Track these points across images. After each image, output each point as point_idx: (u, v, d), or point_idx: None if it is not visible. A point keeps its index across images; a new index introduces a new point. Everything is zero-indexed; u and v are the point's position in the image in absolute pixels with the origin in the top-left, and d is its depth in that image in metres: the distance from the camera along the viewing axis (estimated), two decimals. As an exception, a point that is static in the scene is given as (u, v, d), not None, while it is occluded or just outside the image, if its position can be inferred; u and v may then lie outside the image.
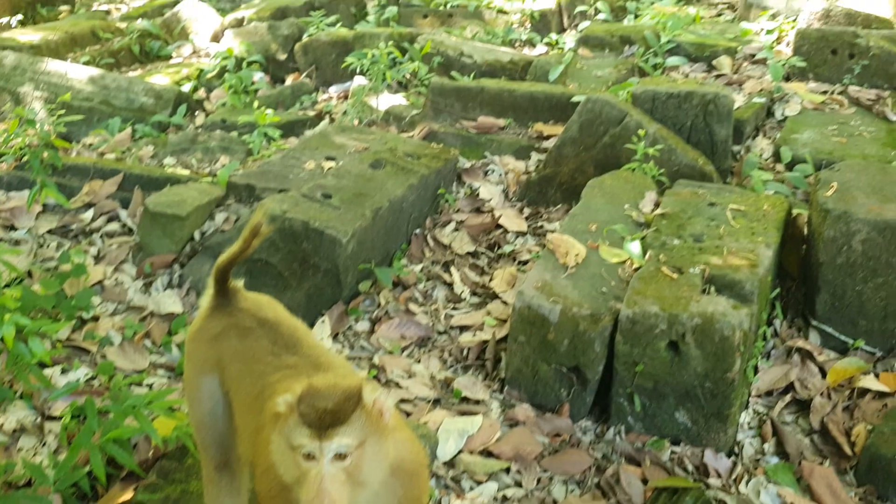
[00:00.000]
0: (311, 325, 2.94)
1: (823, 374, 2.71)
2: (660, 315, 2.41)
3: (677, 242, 2.82)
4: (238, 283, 1.88)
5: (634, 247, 2.82)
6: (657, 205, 3.19)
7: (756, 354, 2.69)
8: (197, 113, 5.05)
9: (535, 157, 4.12)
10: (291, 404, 1.40)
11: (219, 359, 1.77)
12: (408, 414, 2.50)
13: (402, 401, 2.56)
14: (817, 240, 2.80)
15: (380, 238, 3.22)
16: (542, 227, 3.68)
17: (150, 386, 2.60)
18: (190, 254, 3.23)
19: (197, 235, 3.28)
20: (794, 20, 5.78)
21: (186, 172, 3.94)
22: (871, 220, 2.68)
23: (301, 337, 1.75)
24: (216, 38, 6.19)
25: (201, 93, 5.36)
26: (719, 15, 6.73)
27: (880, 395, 2.60)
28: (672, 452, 2.44)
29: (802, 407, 2.62)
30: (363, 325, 3.01)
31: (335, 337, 2.93)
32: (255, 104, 4.45)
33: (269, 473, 1.49)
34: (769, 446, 2.49)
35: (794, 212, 3.19)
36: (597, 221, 3.02)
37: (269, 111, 4.26)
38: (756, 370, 2.72)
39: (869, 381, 2.63)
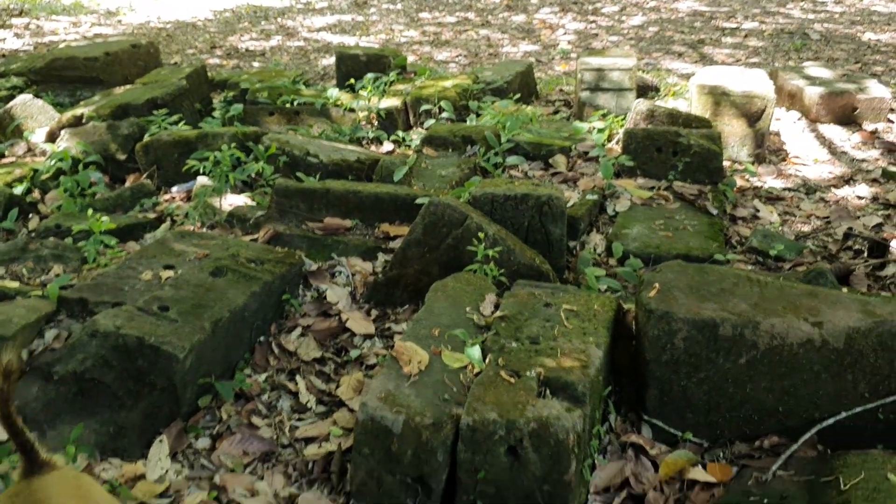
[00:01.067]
0: (148, 444, 2.82)
1: (656, 467, 2.84)
2: (498, 421, 2.47)
3: (515, 345, 2.91)
4: (54, 458, 1.69)
5: (475, 351, 2.89)
6: (497, 306, 3.30)
7: (591, 453, 2.79)
8: (31, 216, 4.83)
9: (381, 257, 4.18)
10: None
11: None
12: (249, 538, 2.42)
13: (243, 524, 2.48)
14: (643, 338, 2.96)
15: (220, 350, 3.15)
16: (389, 328, 3.71)
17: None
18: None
19: (24, 355, 3.10)
20: (623, 119, 6.23)
21: (16, 284, 3.73)
22: (689, 319, 2.87)
23: None
24: (52, 136, 5.97)
25: (35, 194, 5.13)
26: (556, 112, 7.14)
27: (707, 485, 2.74)
28: (516, 558, 2.47)
29: (637, 502, 2.73)
30: (203, 442, 2.90)
31: (174, 456, 2.81)
32: (90, 211, 4.30)
33: None
34: (608, 544, 2.57)
35: (625, 306, 3.38)
36: (440, 326, 3.08)
37: (105, 218, 4.12)
38: (593, 467, 2.82)
39: (698, 473, 2.78)
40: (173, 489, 2.64)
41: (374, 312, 3.86)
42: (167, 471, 2.72)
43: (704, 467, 2.81)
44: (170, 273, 3.48)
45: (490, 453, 2.48)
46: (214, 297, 3.27)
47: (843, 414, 2.81)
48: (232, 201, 4.75)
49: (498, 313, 3.19)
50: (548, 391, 2.65)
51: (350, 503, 2.63)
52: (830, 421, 2.80)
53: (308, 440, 2.96)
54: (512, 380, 2.70)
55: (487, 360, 2.84)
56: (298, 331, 3.64)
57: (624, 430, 3.00)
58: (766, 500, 2.53)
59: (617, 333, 3.20)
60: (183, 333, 2.96)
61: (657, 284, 3.07)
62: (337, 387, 3.28)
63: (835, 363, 2.80)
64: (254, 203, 4.77)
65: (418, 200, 4.19)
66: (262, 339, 3.52)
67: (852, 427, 2.83)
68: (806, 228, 4.88)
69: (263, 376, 3.31)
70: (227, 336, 3.20)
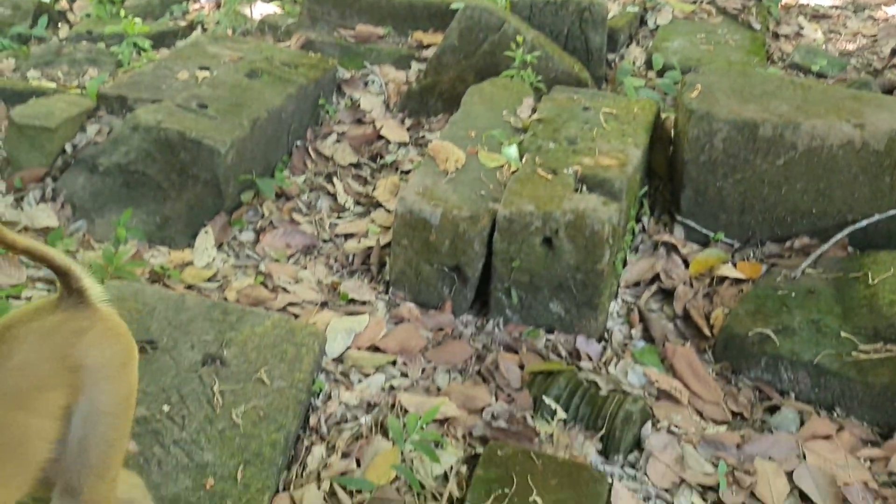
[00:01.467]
0: (194, 235, 2.92)
1: (686, 264, 2.91)
2: (535, 213, 2.52)
3: (553, 146, 2.92)
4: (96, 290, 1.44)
5: (512, 151, 2.90)
6: (534, 110, 3.28)
7: (625, 248, 2.85)
8: (60, 24, 4.77)
9: (415, 66, 4.12)
10: None
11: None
12: (296, 316, 2.54)
13: (290, 304, 2.60)
14: (682, 139, 2.96)
15: (259, 149, 3.19)
16: (423, 137, 3.72)
17: (29, 298, 2.54)
18: (62, 167, 3.11)
19: (69, 148, 3.16)
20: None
21: (53, 85, 3.75)
22: (730, 120, 2.84)
23: None
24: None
25: (63, 3, 5.05)
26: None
27: (737, 281, 2.81)
28: (547, 340, 2.59)
29: (667, 295, 2.82)
30: (248, 236, 3.00)
31: (220, 247, 2.92)
32: (122, 14, 4.24)
33: None
34: (636, 332, 2.68)
35: (663, 115, 3.35)
36: (476, 128, 3.08)
37: (138, 20, 4.08)
38: (625, 263, 2.89)
39: (727, 270, 2.85)
40: (221, 275, 2.75)
41: (407, 121, 3.86)
42: (214, 259, 2.83)
43: (734, 266, 2.87)
44: (206, 74, 3.47)
45: (526, 243, 2.54)
46: (251, 97, 3.27)
47: (878, 216, 2.82)
48: (262, 10, 4.65)
49: (535, 116, 3.17)
50: (584, 187, 2.68)
51: (390, 290, 2.74)
52: (864, 223, 2.82)
53: (347, 236, 3.05)
54: (549, 177, 2.72)
55: (524, 159, 2.86)
56: (334, 137, 3.66)
57: (657, 231, 3.06)
58: (793, 294, 2.60)
59: (655, 137, 3.19)
60: (223, 129, 2.99)
61: (699, 86, 3.02)
62: (374, 189, 3.33)
63: (874, 165, 2.79)
64: (284, 11, 4.68)
65: (453, 6, 4.07)
66: (298, 143, 3.55)
67: (885, 230, 2.85)
68: (851, 47, 4.72)
69: (302, 178, 3.36)
70: (266, 135, 3.23)
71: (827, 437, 2.27)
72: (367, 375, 2.37)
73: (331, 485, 1.96)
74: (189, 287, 2.64)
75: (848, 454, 2.22)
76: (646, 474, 2.15)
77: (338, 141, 3.65)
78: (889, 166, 2.78)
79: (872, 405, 2.31)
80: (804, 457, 2.21)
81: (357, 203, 3.28)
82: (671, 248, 2.96)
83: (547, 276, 2.57)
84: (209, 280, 2.71)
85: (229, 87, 3.33)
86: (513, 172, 2.83)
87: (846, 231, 2.80)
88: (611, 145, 2.89)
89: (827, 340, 2.41)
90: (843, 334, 2.41)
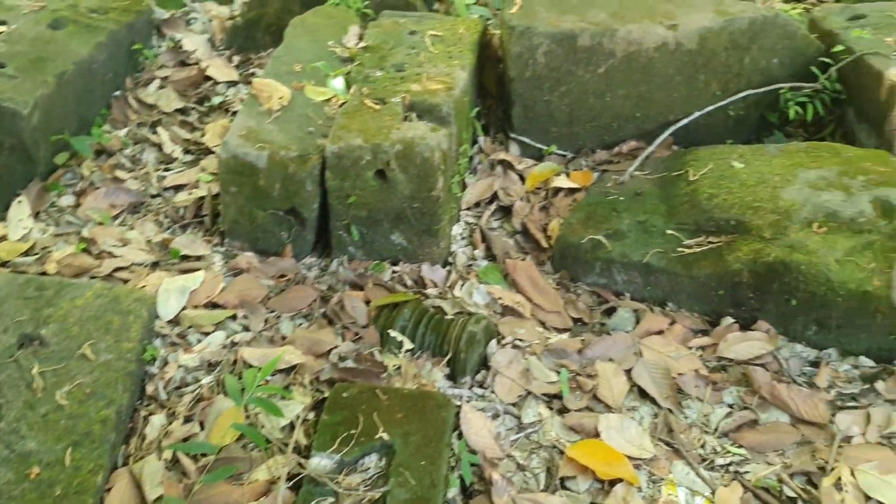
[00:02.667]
0: (6, 207, 2.72)
1: (523, 180, 2.95)
2: (364, 147, 2.47)
3: (380, 74, 2.86)
4: None
5: (338, 83, 2.83)
6: (361, 38, 3.20)
7: (461, 171, 2.86)
8: None
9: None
10: None
11: None
12: (125, 281, 2.43)
13: (118, 269, 2.48)
14: (507, 57, 2.95)
15: (70, 106, 2.98)
16: (253, 73, 3.57)
17: None
18: None
19: None
20: None
21: None
22: (550, 33, 2.85)
23: None
24: None
25: None
26: None
27: (571, 191, 2.88)
28: (393, 272, 2.59)
29: (506, 212, 2.86)
30: (67, 200, 2.82)
31: (37, 216, 2.74)
32: None
33: None
34: (480, 252, 2.71)
35: (493, 32, 3.33)
36: (301, 61, 2.98)
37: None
38: (464, 186, 2.91)
39: (561, 181, 2.90)
40: (39, 246, 2.59)
41: (236, 59, 3.69)
42: (31, 230, 2.65)
43: (568, 176, 2.94)
44: (3, 28, 3.19)
45: (359, 178, 2.50)
46: (55, 49, 3.03)
47: (696, 114, 2.93)
48: (64, -49, 4.28)
49: (362, 44, 3.09)
50: (414, 115, 2.64)
51: (225, 241, 2.65)
52: (684, 121, 2.92)
53: (177, 188, 2.92)
54: (377, 107, 2.67)
55: (352, 91, 2.79)
56: (157, 83, 3.46)
57: (493, 150, 3.07)
58: (622, 198, 2.69)
59: (484, 56, 3.17)
60: (24, 88, 2.76)
61: (519, 0, 3.01)
62: (202, 135, 3.19)
63: (688, 65, 2.88)
64: (90, -49, 4.33)
65: (269, -67, 3.87)
66: (117, 93, 3.34)
67: (705, 126, 2.97)
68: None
69: (124, 131, 3.18)
70: (76, 90, 3.01)
71: (660, 332, 2.39)
72: (206, 334, 2.30)
73: (173, 453, 1.92)
74: (3, 264, 2.47)
75: (680, 345, 2.34)
76: (493, 392, 2.21)
77: (161, 87, 3.46)
78: (702, 64, 2.88)
79: (699, 296, 2.44)
80: (641, 354, 2.31)
81: (186, 152, 3.13)
82: (507, 165, 2.99)
83: (384, 208, 2.55)
84: (26, 254, 2.55)
85: (30, 40, 3.07)
86: (341, 105, 2.76)
87: (668, 132, 2.90)
88: (438, 69, 2.85)
89: (654, 239, 2.51)
90: (668, 232, 2.52)
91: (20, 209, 2.68)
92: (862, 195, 2.37)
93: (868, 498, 1.95)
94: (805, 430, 2.13)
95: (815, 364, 2.31)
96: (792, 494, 1.98)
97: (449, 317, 2.37)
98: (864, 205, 2.34)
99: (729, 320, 2.40)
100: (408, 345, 2.28)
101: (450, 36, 3.09)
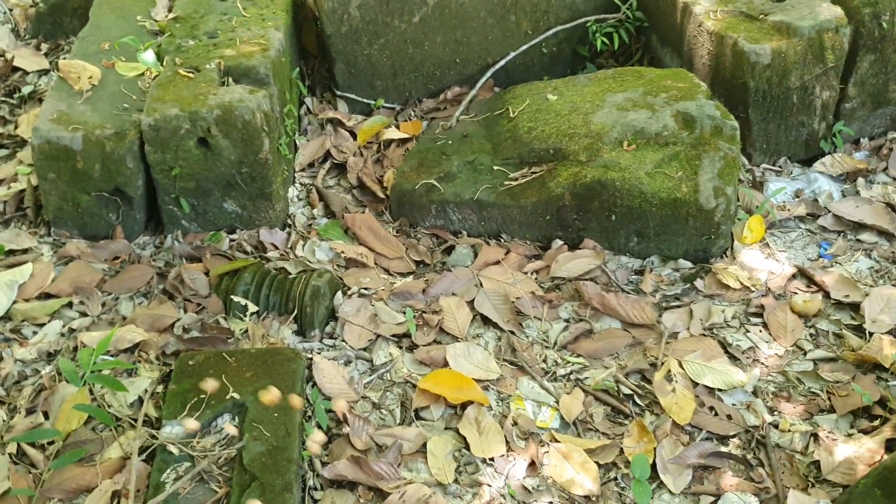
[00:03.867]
0: None
1: (354, 136, 2.98)
2: (181, 115, 2.43)
3: (193, 43, 2.80)
4: None
5: (149, 56, 2.75)
6: (170, 10, 3.11)
7: (289, 133, 2.86)
8: None
9: (37, -15, 3.73)
10: None
11: None
12: (-56, 286, 2.31)
13: (-66, 275, 2.35)
14: (322, 13, 2.95)
15: None
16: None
17: None
18: None
19: None
20: None
21: None
22: (360, -14, 2.87)
23: None
24: None
25: None
26: None
27: (402, 141, 2.94)
28: (231, 241, 2.57)
29: (341, 169, 2.89)
30: None
31: None
32: None
33: None
34: (318, 211, 2.73)
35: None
36: (109, 38, 2.88)
37: None
38: (296, 148, 2.91)
39: (392, 133, 2.96)
40: None
41: (44, 46, 3.52)
42: None
43: (398, 128, 2.99)
44: None
45: (180, 148, 2.46)
46: None
47: (512, 54, 3.04)
48: None
49: (171, 15, 3.01)
50: (230, 80, 2.62)
51: (52, 231, 2.56)
52: (501, 63, 3.02)
53: (-6, 184, 2.78)
54: (192, 75, 2.62)
55: (164, 62, 2.72)
56: (-43, 79, 3.26)
57: (322, 109, 3.08)
58: (450, 141, 2.77)
59: (301, 17, 3.16)
60: None
61: (326, -43, 3.01)
62: (16, 127, 3.04)
63: (498, 6, 2.98)
64: None
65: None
66: (-87, 94, 3.13)
67: (522, 65, 3.09)
68: None
69: (-74, 132, 2.98)
70: None
71: (497, 263, 2.50)
72: (42, 325, 2.23)
73: (17, 445, 1.86)
74: None
75: (516, 272, 2.46)
76: (343, 340, 2.25)
77: (-36, 84, 3.26)
78: (511, 5, 2.98)
79: (529, 224, 2.56)
80: (481, 284, 2.41)
81: (0, 146, 2.98)
82: (337, 123, 3.01)
83: (212, 177, 2.52)
84: None
85: None
86: (154, 78, 2.69)
87: (487, 75, 3.00)
88: (251, 32, 2.82)
89: (483, 177, 2.61)
90: (495, 168, 2.62)
91: None
92: (665, 111, 2.54)
93: (696, 384, 2.14)
94: (636, 333, 2.29)
95: (640, 272, 2.48)
96: (628, 392, 2.14)
97: (292, 276, 2.39)
98: (667, 119, 2.51)
99: (558, 242, 2.53)
100: (252, 307, 2.29)
101: None
